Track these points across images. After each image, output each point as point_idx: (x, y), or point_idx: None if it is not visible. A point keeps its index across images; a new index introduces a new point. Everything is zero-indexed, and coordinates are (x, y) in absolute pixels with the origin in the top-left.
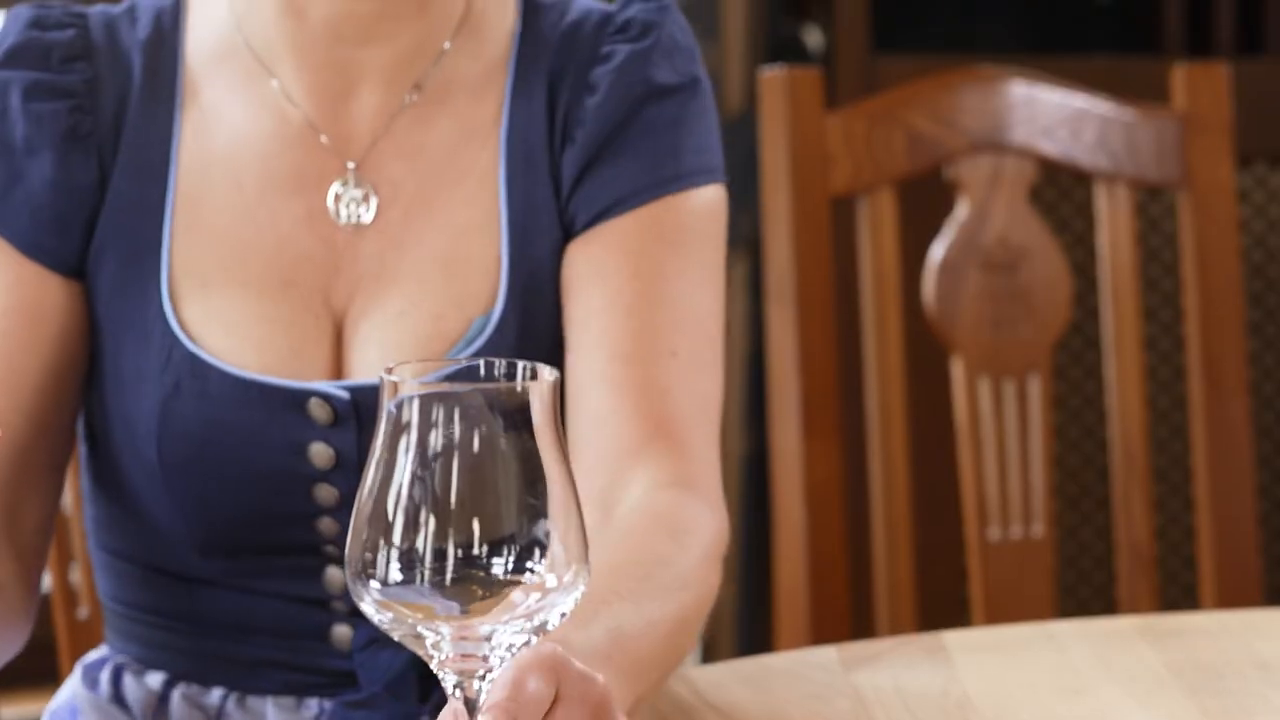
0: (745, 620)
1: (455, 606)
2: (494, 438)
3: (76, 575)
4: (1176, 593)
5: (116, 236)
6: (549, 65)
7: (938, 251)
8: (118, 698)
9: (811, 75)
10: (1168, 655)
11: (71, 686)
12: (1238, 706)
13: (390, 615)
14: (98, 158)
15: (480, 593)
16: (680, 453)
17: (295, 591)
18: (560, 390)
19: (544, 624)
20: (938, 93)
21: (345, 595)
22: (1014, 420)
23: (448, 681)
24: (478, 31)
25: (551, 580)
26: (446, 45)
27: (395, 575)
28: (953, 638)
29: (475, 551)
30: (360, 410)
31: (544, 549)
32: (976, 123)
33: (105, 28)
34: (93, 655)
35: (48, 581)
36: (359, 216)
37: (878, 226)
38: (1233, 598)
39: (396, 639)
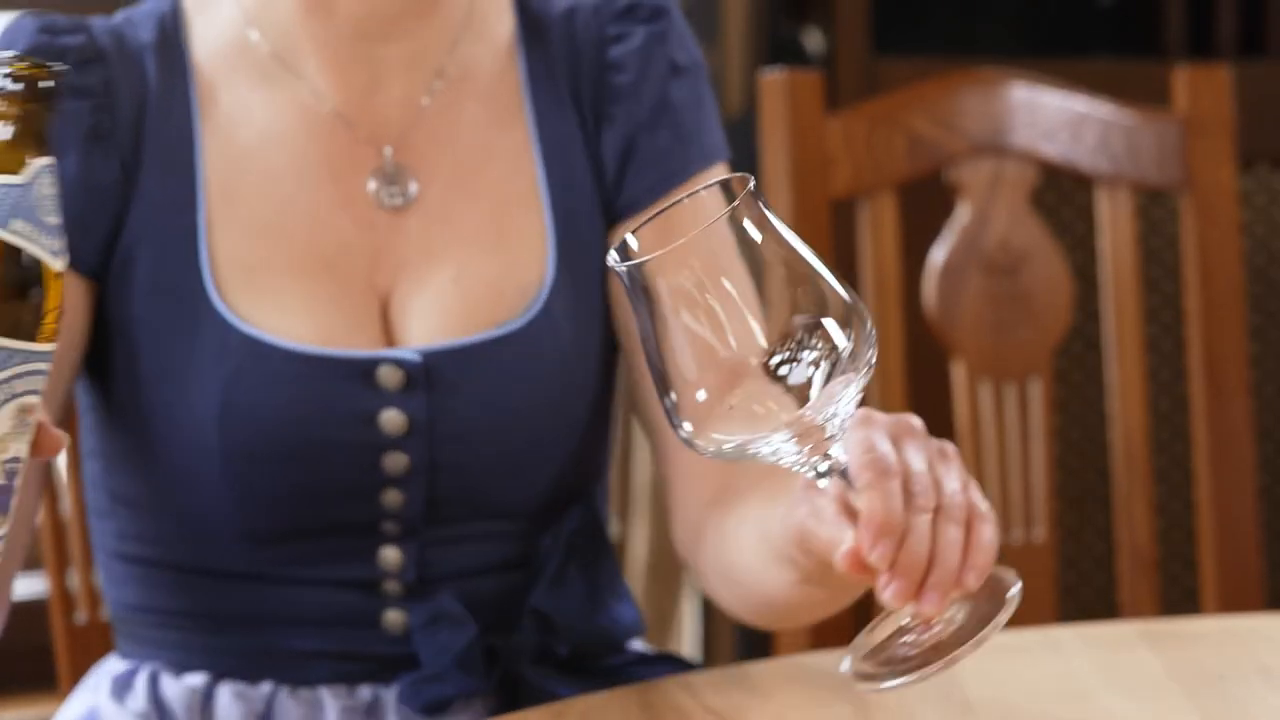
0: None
1: (785, 408)
2: (726, 261)
3: (74, 581)
4: (1178, 596)
5: (149, 235)
6: (556, 49)
7: (938, 254)
8: (157, 702)
9: (812, 78)
10: (1169, 660)
11: (86, 699)
12: (1240, 711)
13: (732, 446)
14: (119, 158)
15: (795, 386)
16: None
17: (346, 576)
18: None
19: (855, 386)
20: (938, 95)
21: (399, 575)
22: (1015, 423)
23: (812, 469)
24: (483, 22)
25: (841, 340)
26: (459, 36)
27: (724, 414)
28: None
29: (773, 359)
30: (431, 374)
31: (814, 320)
32: (977, 126)
33: (110, 34)
34: (119, 666)
35: (46, 587)
36: (401, 199)
37: (878, 229)
38: (1234, 601)
39: (746, 458)
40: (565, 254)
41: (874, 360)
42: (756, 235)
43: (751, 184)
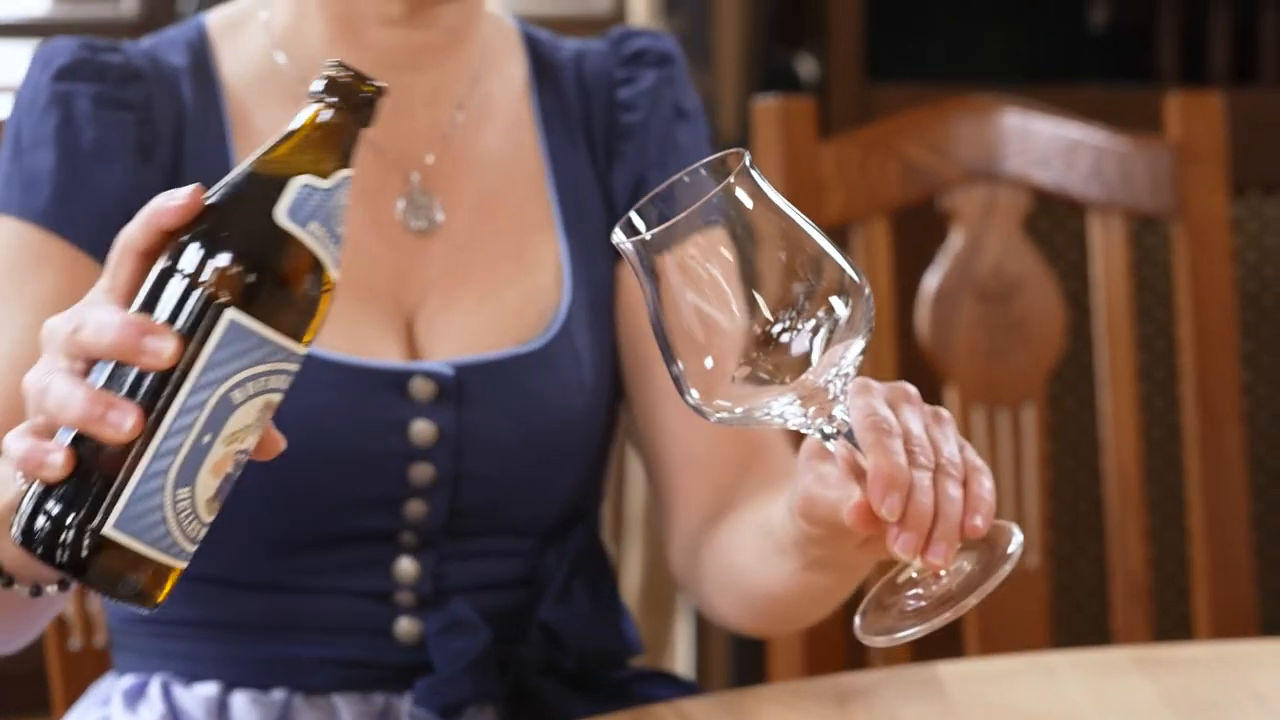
0: (738, 651)
1: (789, 373)
2: (727, 234)
3: (69, 607)
4: (1171, 623)
5: None
6: (567, 89)
7: (932, 281)
8: (173, 710)
9: (805, 105)
10: (1162, 686)
11: (94, 715)
12: None
13: (741, 410)
14: (161, 173)
15: (797, 351)
16: (771, 457)
17: (361, 586)
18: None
19: (855, 349)
20: (931, 122)
21: (414, 587)
22: (1008, 450)
23: (818, 431)
24: (498, 61)
25: (840, 307)
26: (479, 72)
27: (730, 380)
28: (947, 669)
29: (775, 327)
30: (463, 387)
31: (813, 288)
32: (970, 152)
33: (144, 56)
34: (128, 679)
35: None
36: (427, 223)
37: (872, 256)
38: (1228, 628)
39: (753, 424)
40: (580, 280)
41: (872, 323)
42: (754, 207)
43: (747, 158)
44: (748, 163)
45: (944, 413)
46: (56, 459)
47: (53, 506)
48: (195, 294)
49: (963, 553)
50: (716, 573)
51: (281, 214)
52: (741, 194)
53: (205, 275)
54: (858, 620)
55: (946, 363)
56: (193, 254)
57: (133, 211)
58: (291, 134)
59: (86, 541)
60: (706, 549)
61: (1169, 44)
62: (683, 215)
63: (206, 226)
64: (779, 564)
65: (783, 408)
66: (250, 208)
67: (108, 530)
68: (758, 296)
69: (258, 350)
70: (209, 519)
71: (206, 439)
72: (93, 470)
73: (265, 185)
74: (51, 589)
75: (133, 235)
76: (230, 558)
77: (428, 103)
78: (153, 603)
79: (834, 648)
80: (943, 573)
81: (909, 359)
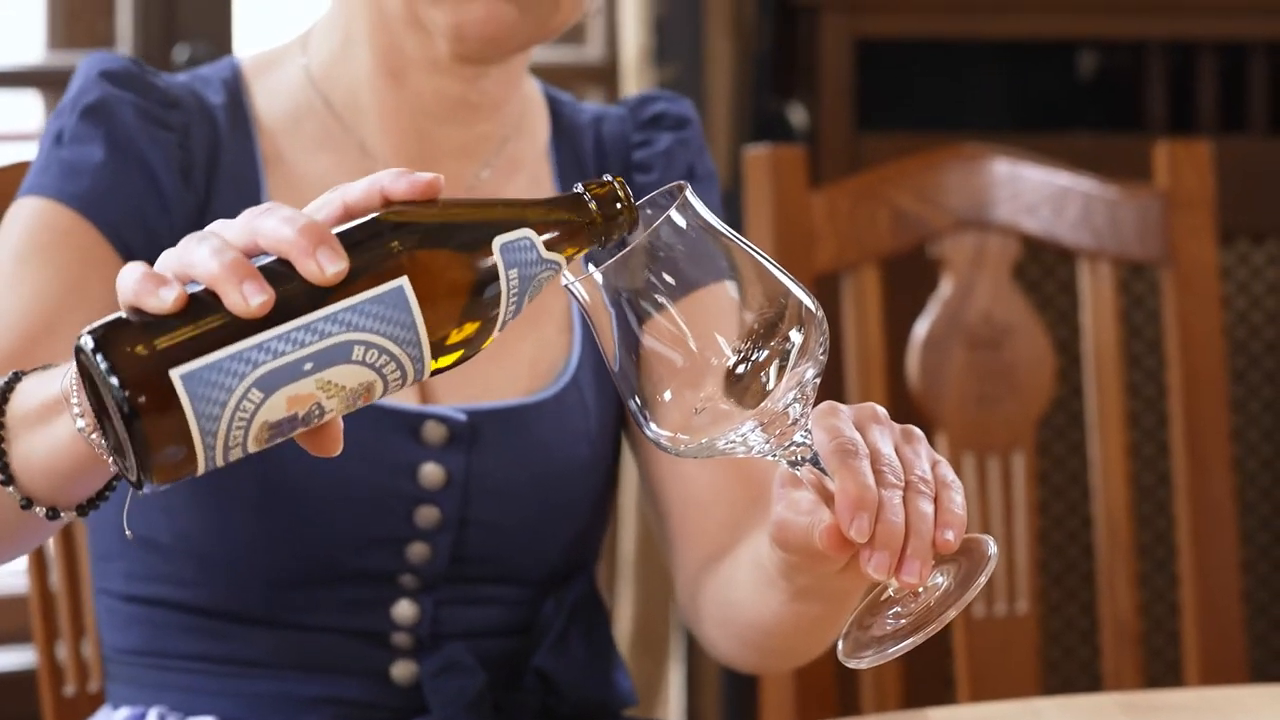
0: (731, 695)
1: (749, 405)
2: (678, 266)
3: (63, 653)
4: (1161, 668)
5: None
6: (585, 150)
7: (922, 328)
8: None
9: (796, 153)
10: None
11: None
12: None
13: (705, 440)
14: (195, 198)
15: (754, 379)
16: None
17: (358, 626)
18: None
19: (810, 373)
20: (921, 170)
21: (412, 629)
22: (998, 496)
23: (782, 457)
24: (530, 126)
25: (794, 333)
26: (510, 136)
27: (691, 412)
28: (938, 715)
29: (731, 358)
30: (475, 432)
31: (768, 316)
32: (960, 200)
33: (183, 87)
34: (124, 712)
35: (34, 660)
36: None
37: (862, 303)
38: (1217, 674)
39: (717, 454)
40: (588, 334)
41: (827, 345)
42: (702, 238)
43: (689, 189)
44: (689, 192)
45: (915, 431)
46: (169, 293)
47: (139, 325)
48: (387, 248)
49: (938, 568)
50: (715, 609)
51: (497, 243)
52: (689, 225)
53: (406, 243)
54: (840, 644)
55: (937, 409)
56: (407, 225)
57: (165, 226)
58: (549, 200)
59: (151, 366)
60: (708, 586)
61: (1157, 92)
62: (628, 248)
63: (430, 212)
64: (769, 595)
65: (745, 433)
66: (477, 220)
67: (174, 371)
68: (711, 328)
69: (402, 330)
70: (252, 448)
71: (308, 366)
72: (196, 322)
73: (500, 215)
74: (69, 515)
75: (353, 188)
76: (231, 590)
77: (455, 157)
78: (147, 477)
79: (825, 694)
80: (920, 590)
81: (899, 405)
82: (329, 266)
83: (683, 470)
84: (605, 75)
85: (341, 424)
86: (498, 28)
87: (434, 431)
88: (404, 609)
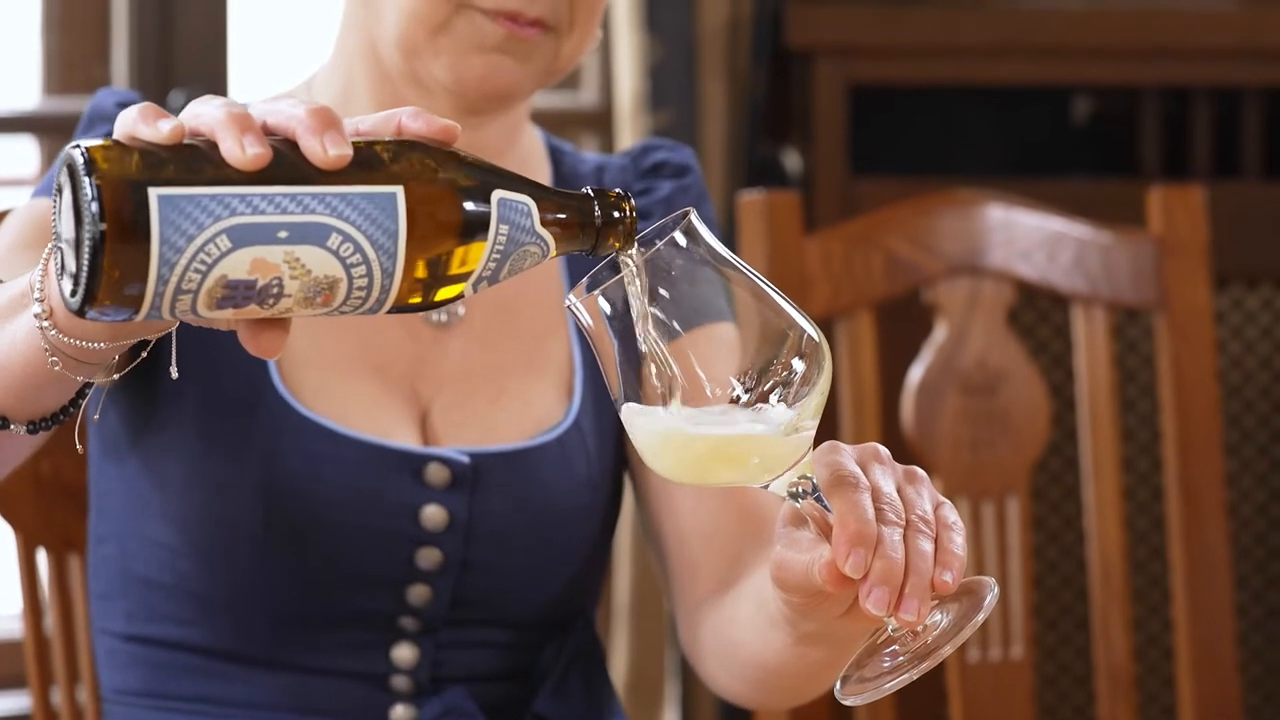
0: None
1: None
2: (682, 290)
3: (58, 698)
4: (1156, 713)
5: None
6: None
7: (916, 373)
8: None
9: (790, 198)
10: None
11: None
12: None
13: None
14: None
15: (756, 409)
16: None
17: (358, 668)
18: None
19: (814, 402)
20: (915, 216)
21: (411, 672)
22: (993, 541)
23: (783, 488)
24: (531, 175)
25: (797, 362)
26: None
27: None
28: None
29: (735, 387)
30: (478, 475)
31: (770, 346)
32: (954, 246)
33: None
34: None
35: (28, 704)
36: (447, 316)
37: (856, 348)
38: (1212, 718)
39: (721, 482)
40: (591, 378)
41: (830, 376)
42: (707, 263)
43: (693, 214)
44: (694, 218)
45: (919, 472)
46: (167, 124)
47: (132, 147)
48: (391, 156)
49: (939, 607)
50: (716, 644)
51: (497, 194)
52: (689, 248)
53: (411, 160)
54: (838, 685)
55: (931, 454)
56: (417, 146)
57: None
58: (557, 189)
59: (131, 178)
60: (709, 622)
61: (1151, 137)
62: (626, 270)
63: (442, 149)
64: (772, 637)
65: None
66: (485, 168)
67: (153, 190)
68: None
69: (383, 235)
70: (201, 307)
71: (282, 234)
72: (187, 159)
73: (508, 176)
74: (18, 428)
75: (368, 118)
76: (232, 630)
77: None
78: (89, 297)
79: None
80: (919, 629)
81: (894, 450)
82: (332, 149)
83: (681, 505)
84: (600, 121)
85: (288, 329)
86: (498, 81)
87: (436, 473)
88: (404, 652)
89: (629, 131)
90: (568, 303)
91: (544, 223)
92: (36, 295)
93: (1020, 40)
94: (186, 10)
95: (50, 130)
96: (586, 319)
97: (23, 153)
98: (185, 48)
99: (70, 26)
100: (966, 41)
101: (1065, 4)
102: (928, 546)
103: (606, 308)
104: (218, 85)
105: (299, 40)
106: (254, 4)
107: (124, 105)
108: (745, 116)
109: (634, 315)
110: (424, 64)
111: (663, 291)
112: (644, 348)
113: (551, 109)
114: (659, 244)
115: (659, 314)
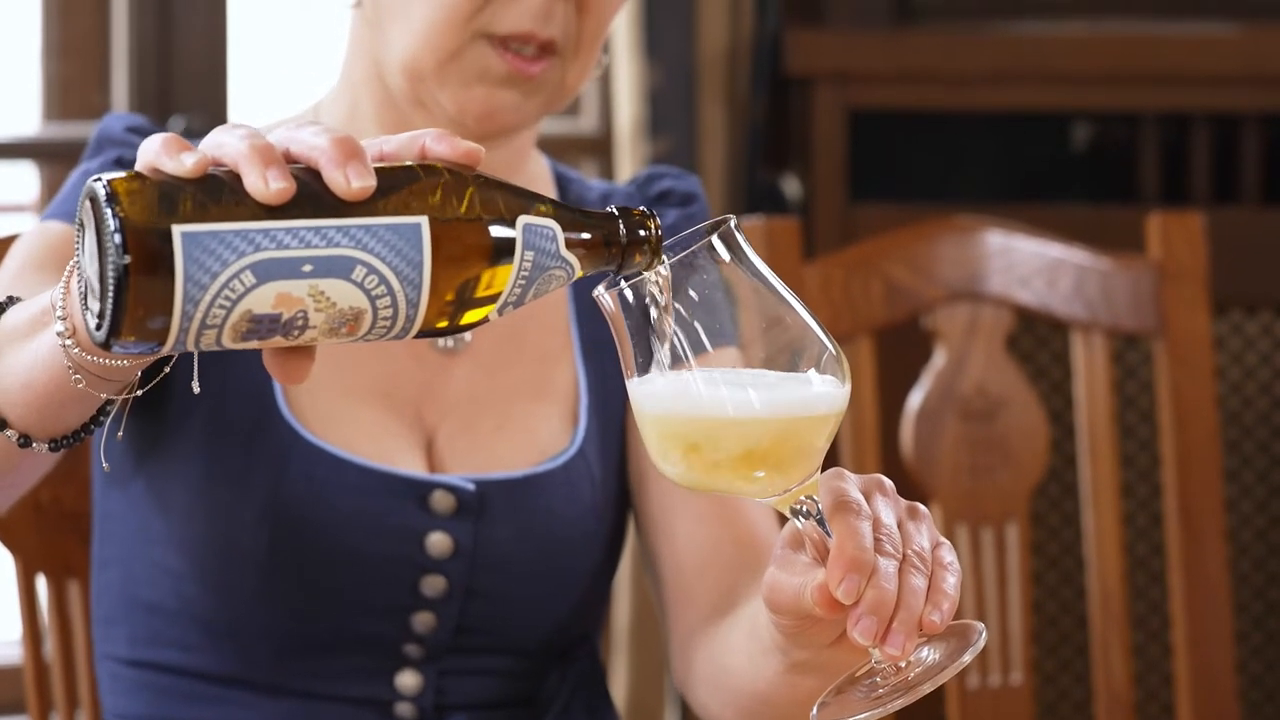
0: None
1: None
2: (700, 285)
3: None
4: None
5: None
6: None
7: (915, 400)
8: None
9: (789, 225)
10: None
11: None
12: None
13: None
14: None
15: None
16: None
17: (362, 694)
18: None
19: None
20: (915, 242)
21: (415, 700)
22: (992, 567)
23: (790, 506)
24: None
25: (819, 380)
26: None
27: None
28: None
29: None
30: (484, 502)
31: (793, 361)
32: (953, 272)
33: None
34: None
35: None
36: (453, 343)
37: (855, 374)
38: None
39: (721, 492)
40: (595, 405)
41: (848, 395)
42: (734, 273)
43: (733, 221)
44: (734, 224)
45: (921, 509)
46: (190, 158)
47: (153, 181)
48: (415, 186)
49: (926, 644)
50: (709, 671)
51: (522, 220)
52: (727, 258)
53: (435, 188)
54: (814, 710)
55: (930, 481)
56: (440, 172)
57: None
58: (580, 209)
59: (155, 216)
60: (702, 649)
61: (1150, 163)
62: (659, 268)
63: (466, 174)
64: (764, 664)
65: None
66: (510, 194)
67: (177, 227)
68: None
69: (408, 266)
70: (226, 339)
71: (306, 268)
72: (210, 193)
73: (532, 200)
74: (40, 446)
75: (393, 139)
76: (236, 655)
77: None
78: (114, 330)
79: None
80: (903, 663)
81: (893, 476)
82: (355, 180)
83: (678, 531)
84: (600, 146)
85: (313, 357)
86: (501, 114)
87: (442, 501)
88: (407, 679)
89: (629, 157)
90: (595, 292)
91: (569, 245)
92: (59, 314)
93: (1019, 66)
94: (186, 35)
95: (50, 156)
96: (611, 308)
97: (22, 178)
98: (185, 72)
99: (70, 52)
100: (965, 68)
101: (1064, 30)
102: (921, 583)
103: (630, 299)
104: (217, 110)
105: (298, 64)
106: (253, 28)
107: (132, 129)
108: (744, 142)
109: (655, 332)
110: (428, 90)
111: (690, 287)
112: (663, 345)
113: (551, 134)
114: (695, 246)
115: (681, 333)
